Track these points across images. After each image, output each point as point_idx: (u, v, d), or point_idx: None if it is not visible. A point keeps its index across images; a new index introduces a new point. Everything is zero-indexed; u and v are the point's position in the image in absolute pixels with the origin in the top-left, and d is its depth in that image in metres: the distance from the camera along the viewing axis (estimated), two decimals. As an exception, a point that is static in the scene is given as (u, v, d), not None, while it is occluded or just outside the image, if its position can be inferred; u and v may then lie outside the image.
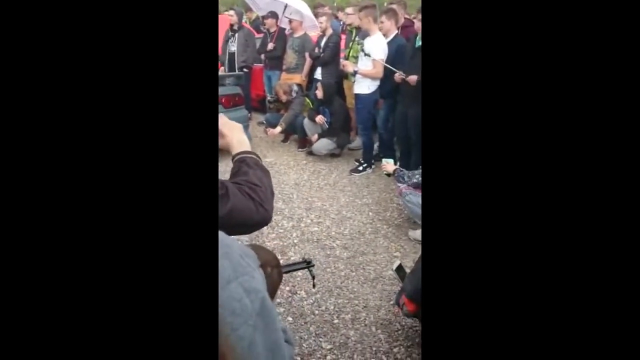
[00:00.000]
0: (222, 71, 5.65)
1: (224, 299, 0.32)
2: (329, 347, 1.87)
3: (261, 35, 6.13)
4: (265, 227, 2.99)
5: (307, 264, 1.39)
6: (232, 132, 0.96)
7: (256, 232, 2.87)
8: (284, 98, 4.64)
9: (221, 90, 4.23)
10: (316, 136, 4.39)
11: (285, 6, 5.57)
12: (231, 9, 6.21)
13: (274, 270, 0.96)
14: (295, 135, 4.81)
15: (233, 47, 5.68)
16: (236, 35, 5.64)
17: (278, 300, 2.16)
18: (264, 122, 5.14)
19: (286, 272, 2.02)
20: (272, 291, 0.95)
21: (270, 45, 5.48)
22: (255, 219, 0.80)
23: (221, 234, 0.37)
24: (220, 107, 4.16)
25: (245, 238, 2.79)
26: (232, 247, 0.37)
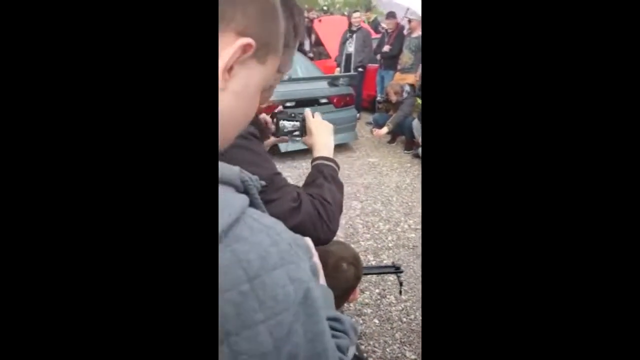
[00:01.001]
0: (337, 72, 5.84)
1: (267, 284, 0.33)
2: (412, 357, 1.82)
3: (378, 35, 6.15)
4: (360, 226, 3.04)
5: (396, 269, 1.37)
6: (320, 132, 0.93)
7: (352, 230, 2.93)
8: (394, 98, 4.58)
9: (333, 91, 4.39)
10: (424, 140, 4.22)
11: (407, 9, 5.48)
12: (356, 10, 6.36)
13: (350, 267, 0.94)
14: (403, 136, 4.71)
15: (350, 48, 5.82)
16: (354, 36, 5.76)
17: (366, 300, 2.18)
18: (372, 122, 5.16)
19: (370, 274, 2.00)
20: (346, 288, 0.95)
21: (386, 47, 5.47)
22: (318, 236, 0.79)
23: (272, 220, 0.37)
24: (330, 106, 4.33)
25: (340, 234, 2.87)
26: (281, 234, 0.36)
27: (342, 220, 3.08)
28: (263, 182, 0.42)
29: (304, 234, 0.76)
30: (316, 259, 0.63)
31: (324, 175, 0.86)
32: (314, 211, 0.78)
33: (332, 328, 0.51)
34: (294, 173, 3.99)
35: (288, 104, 3.95)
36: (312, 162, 0.89)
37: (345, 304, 1.07)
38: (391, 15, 5.58)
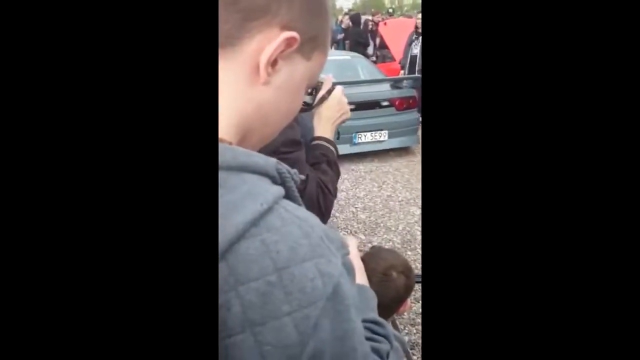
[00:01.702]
0: (401, 74, 5.74)
1: (295, 275, 0.32)
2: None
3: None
4: (418, 233, 2.93)
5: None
6: (331, 106, 0.83)
7: (409, 236, 2.85)
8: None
9: (395, 93, 4.32)
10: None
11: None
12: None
13: (400, 276, 0.91)
14: (469, 142, 4.48)
15: (416, 50, 5.68)
16: (420, 38, 5.62)
17: (421, 310, 2.11)
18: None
19: (418, 282, 1.92)
20: (395, 297, 0.91)
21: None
22: None
23: (306, 212, 0.36)
24: (392, 109, 4.26)
25: (397, 240, 2.80)
26: (314, 227, 0.35)
27: (400, 226, 3.01)
28: (302, 177, 0.42)
29: None
30: (354, 257, 0.61)
31: (329, 161, 0.82)
32: (315, 199, 0.75)
33: (371, 331, 0.50)
34: (351, 176, 3.98)
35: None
36: (311, 141, 0.83)
37: (398, 315, 1.03)
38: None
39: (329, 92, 0.83)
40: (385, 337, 0.50)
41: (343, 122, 0.87)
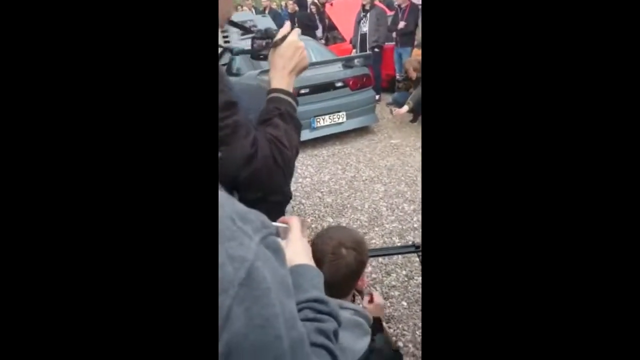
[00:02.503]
0: (353, 53, 5.73)
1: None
2: (443, 338, 1.79)
3: (392, 12, 5.96)
4: (385, 209, 3.00)
5: (416, 249, 1.33)
6: (284, 53, 0.77)
7: (375, 213, 2.90)
8: (413, 75, 4.43)
9: (349, 72, 4.31)
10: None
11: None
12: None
13: (350, 252, 0.89)
14: (425, 115, 4.58)
15: (365, 28, 5.68)
16: (368, 15, 5.61)
17: (393, 283, 2.16)
18: (391, 102, 5.05)
19: (390, 255, 1.96)
20: (348, 273, 0.90)
21: (401, 24, 5.30)
22: (273, 185, 0.72)
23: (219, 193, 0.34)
24: (346, 89, 4.26)
25: (363, 218, 2.85)
26: (224, 208, 0.33)
27: (365, 205, 3.05)
28: (220, 154, 0.39)
29: (259, 183, 0.70)
30: (296, 239, 0.58)
31: (281, 113, 0.75)
32: (270, 157, 0.70)
33: (315, 310, 0.47)
34: (314, 161, 3.98)
35: (302, 91, 3.92)
36: (267, 94, 0.78)
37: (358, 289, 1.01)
38: (404, -11, 5.39)
39: (283, 38, 0.77)
40: (330, 314, 0.48)
41: (301, 71, 0.80)
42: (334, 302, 0.51)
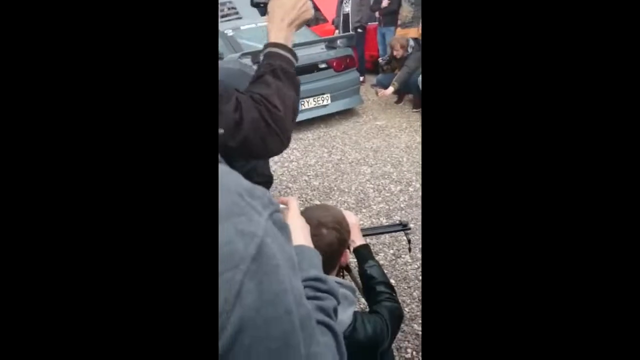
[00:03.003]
0: (335, 34, 5.63)
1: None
2: (431, 314, 1.82)
3: (375, -9, 5.85)
4: (371, 191, 3.00)
5: (403, 227, 1.33)
6: (281, 4, 0.69)
7: (362, 195, 2.89)
8: (400, 53, 4.37)
9: (332, 53, 4.23)
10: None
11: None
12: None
13: (331, 232, 0.90)
14: (410, 94, 4.56)
15: (347, 8, 5.58)
16: (350, -5, 5.50)
17: (381, 262, 2.17)
18: (375, 83, 5.00)
19: (378, 234, 1.98)
20: (329, 252, 0.90)
21: (384, 2, 5.21)
22: (268, 149, 0.67)
23: (222, 168, 0.33)
24: (330, 71, 4.19)
25: (350, 200, 2.84)
26: (229, 184, 0.32)
27: (352, 187, 3.04)
28: (221, 130, 0.37)
29: (251, 150, 0.66)
30: (295, 217, 0.58)
31: (274, 70, 0.68)
32: (259, 119, 0.64)
33: (315, 288, 0.48)
34: (300, 145, 3.94)
35: (286, 74, 3.84)
36: (263, 48, 0.71)
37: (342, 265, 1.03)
38: (386, -33, 5.28)
39: None
40: (329, 292, 0.48)
41: (302, 23, 0.72)
42: (331, 281, 0.51)
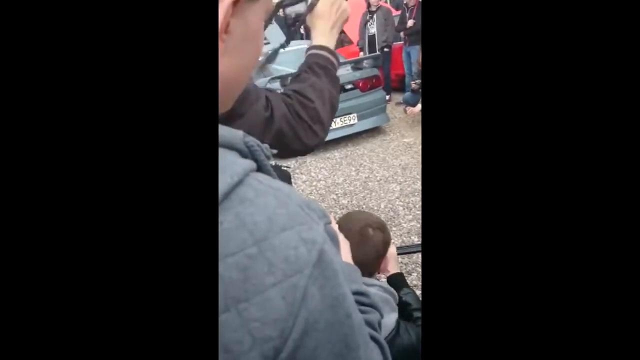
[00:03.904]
0: (361, 55, 5.73)
1: (276, 246, 0.30)
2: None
3: (399, 12, 5.95)
4: (401, 208, 2.96)
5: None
6: (324, 13, 0.72)
7: (392, 213, 2.87)
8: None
9: (358, 74, 4.31)
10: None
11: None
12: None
13: (377, 232, 0.93)
14: (437, 112, 4.53)
15: (372, 29, 5.68)
16: (374, 16, 5.61)
17: (415, 282, 2.13)
18: (402, 101, 5.01)
19: (406, 253, 1.95)
20: (375, 254, 0.92)
21: (410, 22, 5.28)
22: (303, 143, 0.68)
23: (280, 183, 0.34)
24: (357, 91, 4.25)
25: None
26: (290, 196, 0.33)
27: (382, 204, 3.03)
28: (274, 151, 0.40)
29: (287, 145, 0.67)
30: (336, 227, 0.59)
31: (310, 67, 0.71)
32: (290, 113, 0.66)
33: (359, 303, 0.48)
34: (327, 164, 3.98)
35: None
36: (307, 50, 0.74)
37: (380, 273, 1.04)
38: (410, -12, 5.38)
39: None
40: (372, 306, 0.49)
41: (344, 22, 0.75)
42: (374, 296, 0.54)
